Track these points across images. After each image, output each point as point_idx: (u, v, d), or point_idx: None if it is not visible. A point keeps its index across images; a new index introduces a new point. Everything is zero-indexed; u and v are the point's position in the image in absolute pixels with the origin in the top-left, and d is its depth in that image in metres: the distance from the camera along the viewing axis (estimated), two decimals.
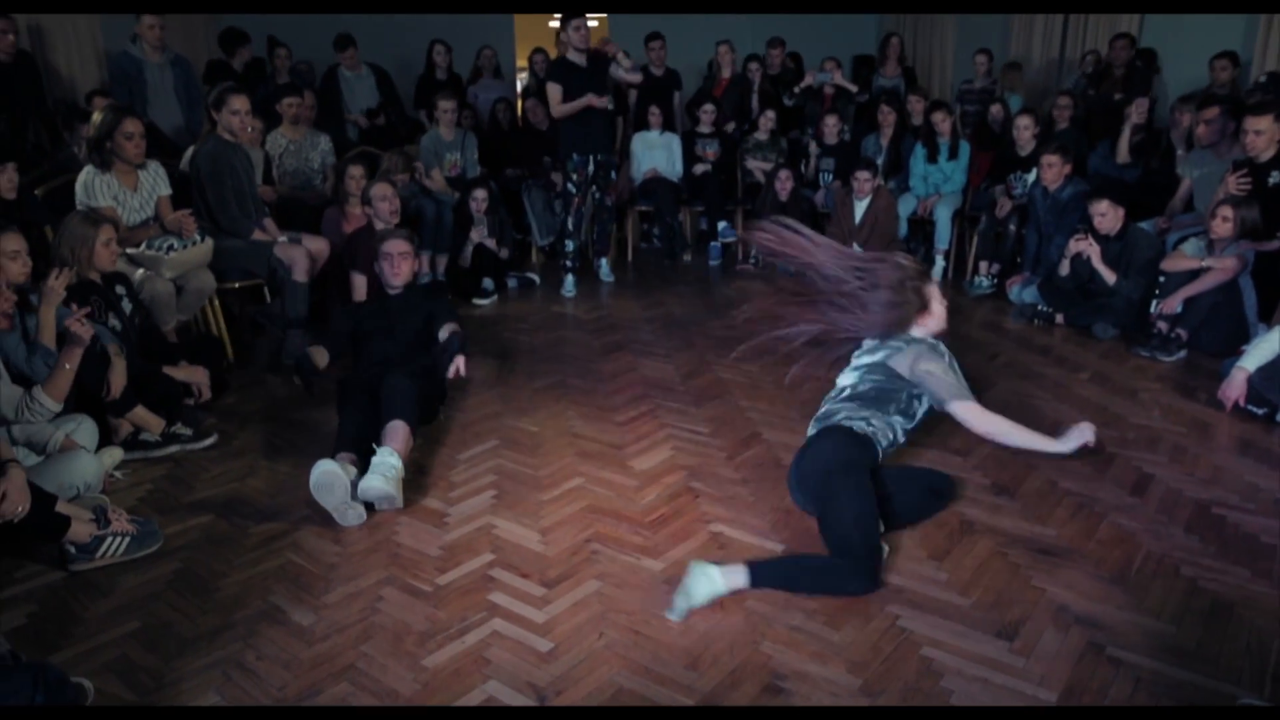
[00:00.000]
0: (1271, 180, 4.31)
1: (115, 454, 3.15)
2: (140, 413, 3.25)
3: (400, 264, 3.69)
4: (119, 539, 2.56)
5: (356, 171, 4.99)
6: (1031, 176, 5.51)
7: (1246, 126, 4.33)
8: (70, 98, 6.04)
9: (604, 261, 6.00)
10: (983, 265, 5.65)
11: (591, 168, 5.54)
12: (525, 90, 7.67)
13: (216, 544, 2.68)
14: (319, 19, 8.23)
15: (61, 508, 2.49)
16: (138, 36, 5.67)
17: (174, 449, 3.30)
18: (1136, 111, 5.45)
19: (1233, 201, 4.25)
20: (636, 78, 5.89)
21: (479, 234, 5.57)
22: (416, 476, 3.08)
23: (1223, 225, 4.23)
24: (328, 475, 2.70)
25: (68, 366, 2.90)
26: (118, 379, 3.13)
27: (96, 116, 3.96)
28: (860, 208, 5.77)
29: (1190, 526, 2.69)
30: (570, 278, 5.73)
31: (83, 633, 2.25)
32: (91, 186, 3.89)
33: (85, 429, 2.98)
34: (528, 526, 2.74)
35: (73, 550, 2.51)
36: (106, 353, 3.13)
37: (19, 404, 2.85)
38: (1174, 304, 4.31)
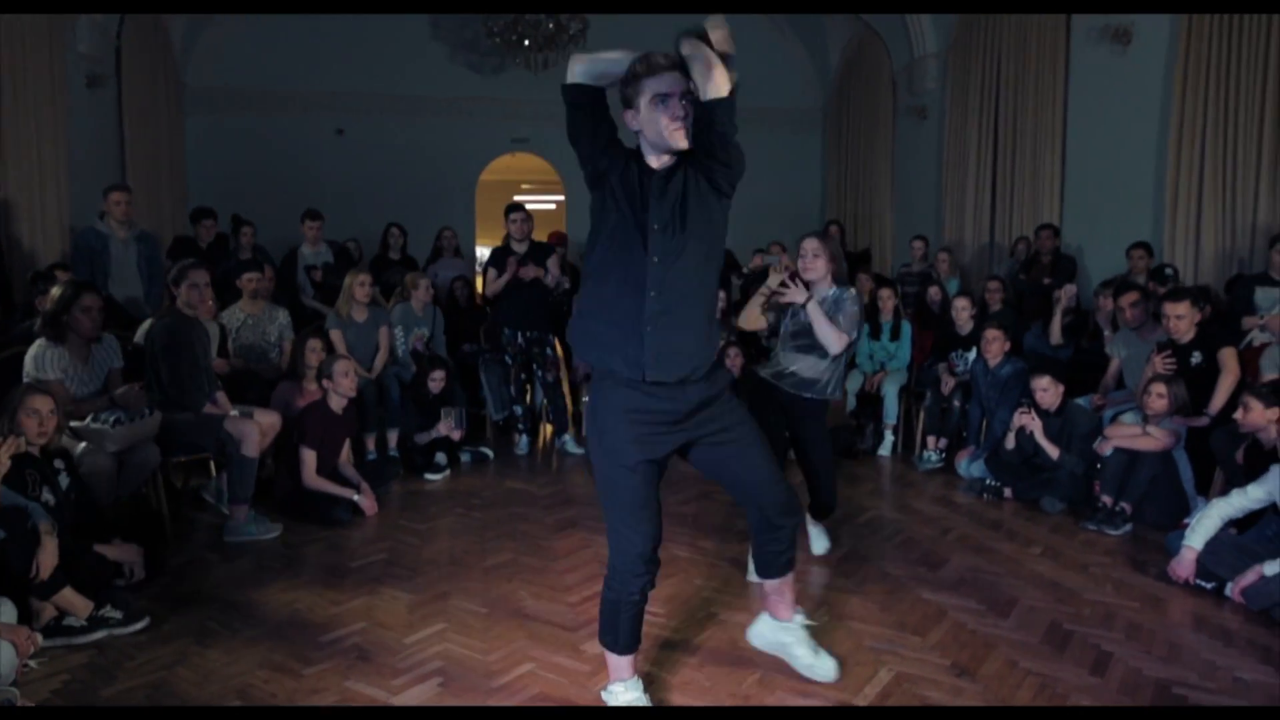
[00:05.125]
0: (1193, 361, 4.55)
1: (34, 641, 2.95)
2: (67, 595, 3.07)
3: None
4: None
5: (317, 344, 5.02)
6: (972, 354, 5.75)
7: (1166, 311, 4.61)
8: (30, 269, 6.10)
9: (568, 436, 6.04)
10: (930, 440, 5.77)
11: (521, 341, 5.77)
12: (484, 269, 7.93)
13: None
14: (285, 198, 8.56)
15: None
16: (105, 213, 5.81)
17: (101, 634, 3.10)
18: (1066, 296, 5.79)
19: (1163, 379, 4.47)
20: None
21: (447, 427, 5.56)
22: (357, 662, 2.93)
23: (1158, 401, 4.43)
24: None
25: None
26: (48, 559, 2.98)
27: (55, 290, 4.00)
28: None
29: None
30: (524, 438, 6.11)
31: None
32: (41, 359, 3.87)
33: (4, 612, 2.80)
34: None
35: None
36: (37, 531, 3.00)
37: None
38: (1105, 448, 4.49)
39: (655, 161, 2.39)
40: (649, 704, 2.53)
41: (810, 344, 3.68)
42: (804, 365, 3.71)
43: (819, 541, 4.02)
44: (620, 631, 2.48)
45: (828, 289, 3.71)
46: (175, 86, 8.83)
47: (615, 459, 2.38)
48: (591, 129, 2.34)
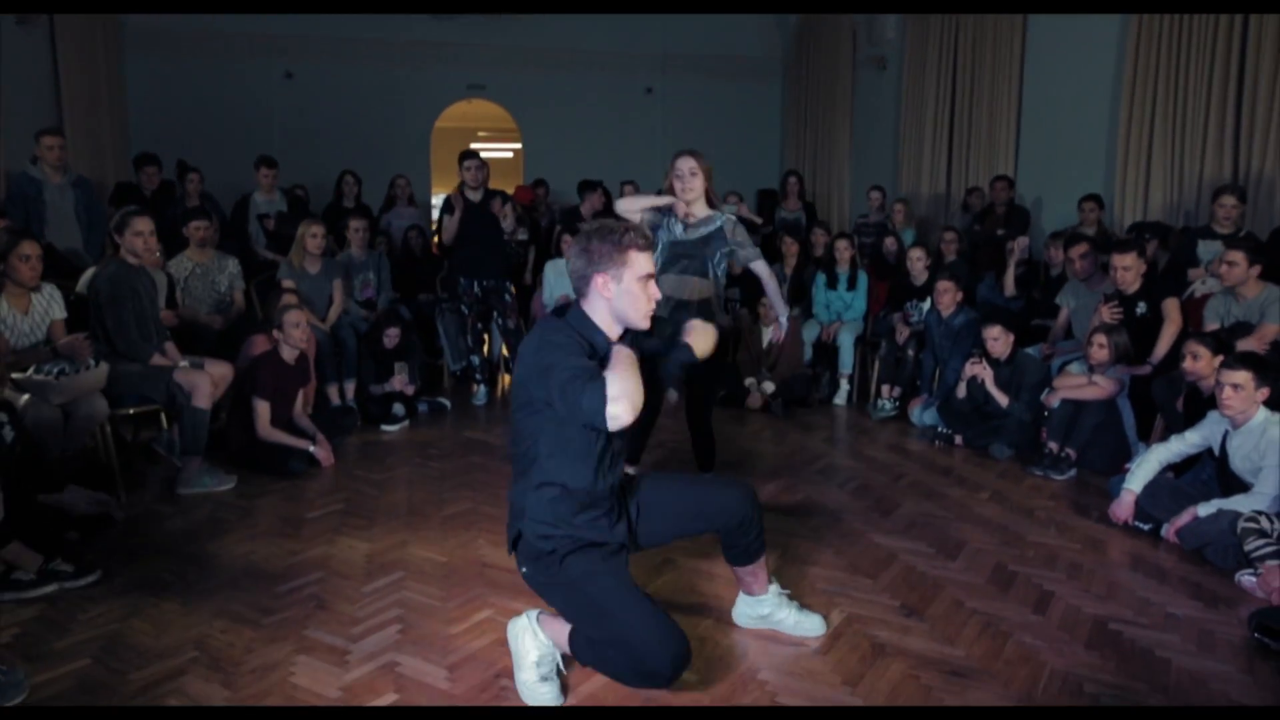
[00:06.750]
0: (1139, 310, 4.67)
1: None
2: (15, 549, 3.02)
3: None
4: None
5: (292, 299, 4.94)
6: (926, 304, 5.83)
7: (1114, 263, 4.71)
8: None
9: None
10: (885, 389, 5.87)
11: (478, 290, 5.70)
12: (439, 218, 7.82)
13: (90, 693, 2.47)
14: (233, 143, 8.31)
15: None
16: (38, 158, 5.59)
17: (51, 588, 3.06)
18: (1019, 248, 5.87)
19: (1105, 329, 4.58)
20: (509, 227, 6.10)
21: (401, 382, 5.55)
22: (315, 611, 2.94)
23: (1100, 351, 4.54)
24: None
25: None
26: None
27: None
28: (767, 334, 5.97)
29: (1090, 643, 2.76)
30: (482, 388, 5.99)
31: None
32: None
33: None
34: (434, 663, 2.63)
35: None
36: None
37: None
38: (1053, 400, 4.61)
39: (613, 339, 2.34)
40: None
41: (695, 266, 3.75)
42: (694, 288, 3.75)
43: None
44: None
45: (705, 211, 3.79)
46: (113, 25, 8.45)
47: (593, 560, 2.39)
48: None
